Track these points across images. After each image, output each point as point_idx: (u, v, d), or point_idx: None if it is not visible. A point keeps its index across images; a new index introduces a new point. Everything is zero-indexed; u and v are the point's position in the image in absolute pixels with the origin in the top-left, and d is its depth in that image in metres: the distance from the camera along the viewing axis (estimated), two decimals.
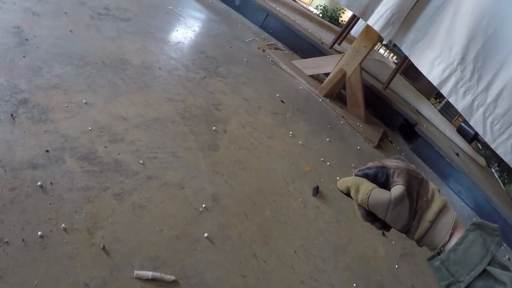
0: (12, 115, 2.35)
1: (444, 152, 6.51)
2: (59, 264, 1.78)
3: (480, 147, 10.35)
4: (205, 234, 2.39)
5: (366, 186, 1.10)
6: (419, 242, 1.12)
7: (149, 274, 1.95)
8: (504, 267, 0.99)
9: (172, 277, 2.02)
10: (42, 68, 2.89)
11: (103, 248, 1.96)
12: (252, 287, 2.29)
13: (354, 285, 2.80)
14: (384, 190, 1.10)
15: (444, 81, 4.81)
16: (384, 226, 1.16)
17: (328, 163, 4.14)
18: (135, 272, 1.94)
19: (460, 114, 12.15)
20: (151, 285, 1.94)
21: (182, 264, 2.14)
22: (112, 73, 3.33)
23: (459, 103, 4.87)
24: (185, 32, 5.32)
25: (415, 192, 1.10)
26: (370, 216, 1.15)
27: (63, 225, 1.94)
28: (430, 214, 1.08)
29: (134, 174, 2.49)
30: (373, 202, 1.08)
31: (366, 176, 1.15)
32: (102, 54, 3.52)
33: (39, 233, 1.84)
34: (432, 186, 1.13)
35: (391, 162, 1.15)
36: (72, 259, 1.83)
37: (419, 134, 6.79)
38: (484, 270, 0.98)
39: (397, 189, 1.07)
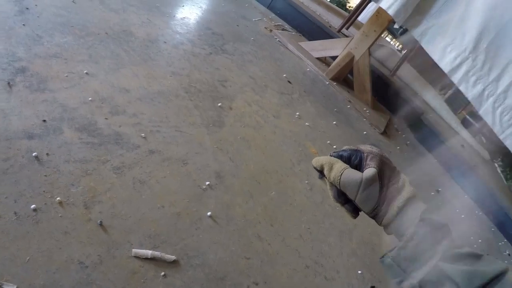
0: (9, 83, 2.26)
1: (450, 142, 6.43)
2: (53, 240, 1.69)
3: (484, 140, 10.27)
4: (208, 213, 2.31)
5: (340, 165, 1.14)
6: (387, 228, 1.13)
7: (149, 253, 1.86)
8: (459, 258, 1.00)
9: (173, 257, 1.93)
10: (42, 37, 2.80)
11: (100, 224, 1.87)
12: (256, 270, 2.20)
13: (359, 272, 2.72)
14: (356, 171, 1.13)
15: (455, 69, 4.76)
16: (354, 210, 1.19)
17: (334, 146, 4.06)
18: (134, 250, 1.85)
19: (465, 107, 12.08)
20: (150, 265, 1.85)
21: (184, 243, 2.06)
22: (115, 44, 3.23)
23: (469, 92, 4.82)
24: (191, 8, 5.25)
25: (386, 178, 1.13)
26: (341, 197, 1.18)
27: (58, 198, 1.85)
28: (400, 200, 1.09)
29: (135, 147, 2.40)
30: (344, 181, 1.11)
31: (340, 157, 1.19)
32: (105, 25, 3.43)
33: (33, 206, 1.75)
34: (403, 176, 1.16)
35: (365, 147, 1.18)
36: (67, 234, 1.74)
37: (425, 124, 6.71)
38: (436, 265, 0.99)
39: (369, 171, 1.11)
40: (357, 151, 1.17)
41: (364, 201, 1.12)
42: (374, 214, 1.14)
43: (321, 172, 1.19)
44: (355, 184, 1.10)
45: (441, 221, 1.04)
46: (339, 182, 1.12)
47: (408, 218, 1.07)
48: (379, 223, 1.14)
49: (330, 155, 1.21)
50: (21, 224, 1.66)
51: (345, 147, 1.21)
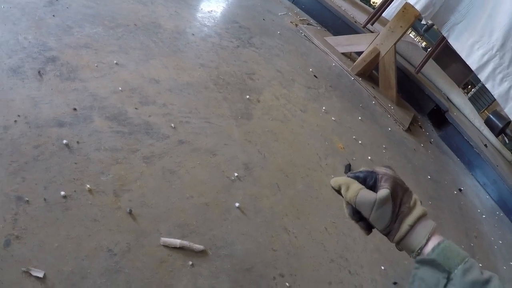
0: (39, 72, 2.28)
1: (473, 142, 6.39)
2: (82, 227, 1.71)
3: (507, 141, 10.16)
4: (236, 204, 2.32)
5: (356, 186, 1.23)
6: (399, 244, 1.22)
7: (177, 242, 1.87)
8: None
9: (201, 247, 1.94)
10: (72, 28, 2.82)
11: (130, 212, 1.88)
12: (282, 262, 2.21)
13: (383, 268, 2.72)
14: (371, 191, 1.22)
15: (483, 66, 4.78)
16: (368, 227, 1.28)
17: (360, 142, 4.05)
18: (162, 239, 1.86)
19: (488, 106, 12.00)
20: (178, 254, 1.86)
21: (212, 233, 2.07)
22: (144, 35, 3.25)
23: (496, 90, 4.84)
24: (218, 1, 5.25)
25: (399, 198, 1.21)
26: (356, 215, 1.27)
27: (88, 186, 1.86)
28: (411, 219, 1.18)
29: (165, 137, 2.41)
30: (360, 201, 1.20)
31: (356, 178, 1.27)
32: (134, 17, 3.45)
33: (62, 193, 1.76)
34: (415, 196, 1.25)
35: (380, 169, 1.27)
36: (96, 222, 1.76)
37: (449, 122, 6.67)
38: None
39: (383, 191, 1.19)
40: (372, 172, 1.26)
41: (378, 219, 1.20)
42: (387, 232, 1.22)
43: (338, 191, 1.28)
44: (370, 204, 1.19)
45: (438, 260, 1.08)
46: (355, 201, 1.21)
47: (418, 236, 1.16)
48: (391, 240, 1.22)
49: (347, 176, 1.28)
50: (50, 211, 1.68)
51: (361, 169, 1.29)
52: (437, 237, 1.15)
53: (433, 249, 1.10)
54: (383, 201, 1.17)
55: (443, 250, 1.09)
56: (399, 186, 1.22)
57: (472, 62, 4.83)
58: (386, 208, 1.18)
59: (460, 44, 4.94)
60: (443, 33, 5.15)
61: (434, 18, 4.99)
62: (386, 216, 1.18)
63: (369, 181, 1.24)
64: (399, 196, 1.21)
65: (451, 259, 1.07)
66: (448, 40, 5.12)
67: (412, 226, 1.17)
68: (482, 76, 4.84)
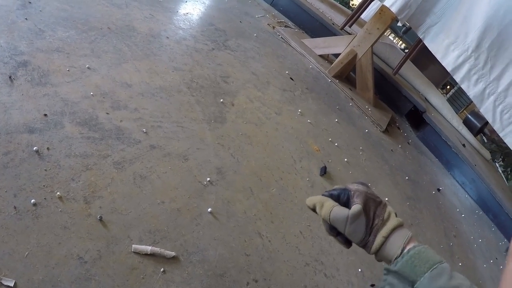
0: (10, 77, 2.26)
1: (451, 142, 6.45)
2: (52, 234, 1.69)
3: (486, 140, 10.25)
4: (209, 209, 2.31)
5: (329, 203, 1.29)
6: (376, 256, 1.26)
7: (148, 248, 1.86)
8: None
9: (172, 253, 1.93)
10: (45, 31, 2.79)
11: (100, 219, 1.87)
12: (255, 267, 2.20)
13: (359, 270, 2.73)
14: (344, 207, 1.27)
15: (458, 68, 4.83)
16: (346, 241, 1.32)
17: (336, 144, 4.06)
18: (133, 246, 1.85)
19: (467, 106, 12.12)
20: (149, 261, 1.85)
21: (184, 239, 2.06)
22: (117, 39, 3.23)
23: (471, 90, 4.89)
24: (195, 3, 5.24)
25: (372, 212, 1.26)
26: (333, 230, 1.32)
27: (58, 193, 1.85)
28: (385, 230, 1.23)
29: (136, 142, 2.40)
30: (334, 217, 1.26)
31: (330, 196, 1.33)
32: (108, 20, 3.43)
33: (33, 200, 1.75)
34: (389, 208, 1.30)
35: (352, 186, 1.33)
36: (66, 229, 1.74)
37: (427, 122, 6.72)
38: None
39: (355, 207, 1.24)
40: (345, 189, 1.31)
41: (352, 233, 1.25)
42: (363, 244, 1.27)
43: (314, 210, 1.33)
44: (343, 219, 1.24)
45: (406, 272, 1.11)
46: (329, 218, 1.26)
47: (393, 246, 1.20)
48: (369, 252, 1.26)
49: (322, 195, 1.34)
50: (20, 219, 1.66)
51: (335, 187, 1.35)
52: (412, 245, 1.18)
53: (402, 256, 1.13)
54: (356, 216, 1.22)
55: (412, 257, 1.12)
56: (371, 200, 1.27)
57: (448, 63, 4.87)
58: (359, 222, 1.23)
59: (435, 45, 4.97)
60: (419, 35, 5.19)
61: (410, 20, 5.02)
62: (360, 230, 1.23)
63: (343, 198, 1.29)
64: (372, 209, 1.26)
65: (418, 266, 1.09)
66: (424, 42, 5.16)
67: (386, 238, 1.21)
68: (457, 77, 4.88)
